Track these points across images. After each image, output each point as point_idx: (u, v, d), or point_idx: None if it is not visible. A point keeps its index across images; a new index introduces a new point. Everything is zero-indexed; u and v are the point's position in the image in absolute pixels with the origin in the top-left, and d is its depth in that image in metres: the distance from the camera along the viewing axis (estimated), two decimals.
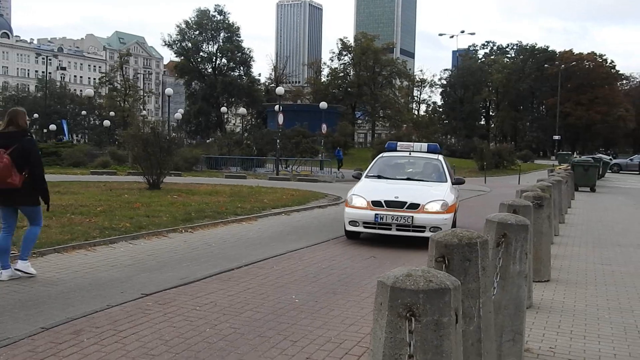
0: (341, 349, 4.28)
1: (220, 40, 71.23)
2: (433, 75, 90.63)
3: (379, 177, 10.00)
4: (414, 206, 8.61)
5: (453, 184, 9.81)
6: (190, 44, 70.01)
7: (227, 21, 71.82)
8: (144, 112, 69.67)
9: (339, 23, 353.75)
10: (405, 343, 2.29)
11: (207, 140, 51.86)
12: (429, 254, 3.21)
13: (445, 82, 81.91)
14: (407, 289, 2.34)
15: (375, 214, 8.64)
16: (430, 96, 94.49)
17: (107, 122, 45.00)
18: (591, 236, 10.57)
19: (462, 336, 2.79)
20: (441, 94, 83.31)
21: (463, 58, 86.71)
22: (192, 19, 70.54)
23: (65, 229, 8.86)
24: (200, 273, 6.61)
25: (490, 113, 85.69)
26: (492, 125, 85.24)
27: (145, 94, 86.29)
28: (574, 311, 5.39)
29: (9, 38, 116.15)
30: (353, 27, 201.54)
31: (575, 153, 54.55)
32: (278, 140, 30.46)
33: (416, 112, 79.63)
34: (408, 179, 9.95)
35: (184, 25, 70.22)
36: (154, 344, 4.28)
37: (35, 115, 56.39)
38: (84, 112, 64.12)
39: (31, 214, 6.32)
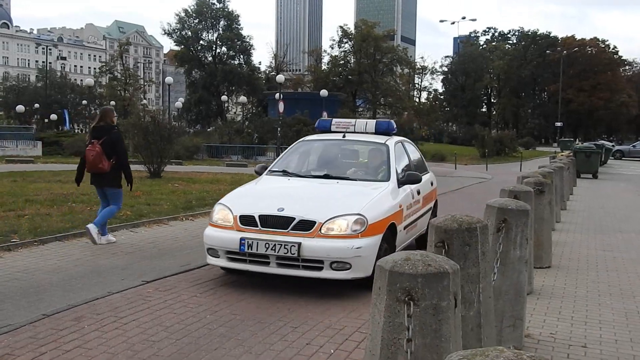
0: (341, 335, 4.29)
1: (220, 29, 70.80)
2: (434, 63, 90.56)
3: (285, 172, 6.65)
4: (306, 225, 5.22)
5: (401, 182, 6.31)
6: (190, 33, 69.61)
7: (226, 9, 71.33)
8: (145, 101, 69.46)
9: (340, 10, 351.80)
10: (403, 327, 2.29)
11: (208, 129, 51.78)
12: (429, 239, 3.20)
13: (446, 69, 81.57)
14: (406, 272, 2.33)
15: (242, 239, 5.25)
16: (431, 83, 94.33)
17: None
18: (593, 223, 10.56)
19: (462, 321, 2.79)
20: (442, 81, 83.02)
21: (464, 45, 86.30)
22: (192, 7, 70.04)
23: (66, 217, 8.87)
24: (201, 260, 6.60)
25: (492, 100, 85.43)
26: (494, 113, 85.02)
27: (145, 83, 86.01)
28: (575, 297, 5.38)
29: (8, 28, 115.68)
30: (353, 14, 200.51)
31: (577, 140, 54.43)
32: (279, 129, 30.39)
33: (417, 100, 79.35)
34: (326, 176, 6.42)
35: (183, 14, 69.76)
36: (154, 330, 4.29)
37: (36, 105, 56.26)
38: (84, 102, 63.98)
39: (113, 195, 7.45)
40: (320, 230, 5.21)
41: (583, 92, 72.91)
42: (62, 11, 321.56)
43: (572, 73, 73.45)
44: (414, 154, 7.80)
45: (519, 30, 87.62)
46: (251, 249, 5.23)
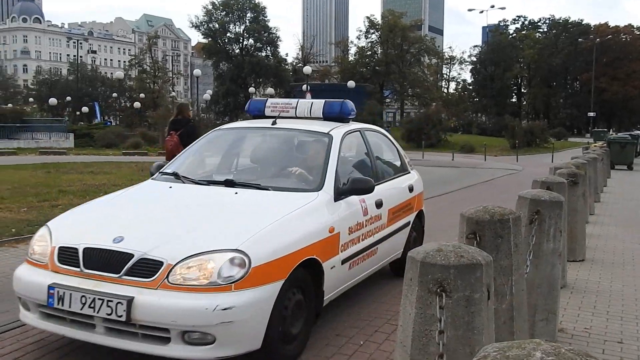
0: (371, 327, 4.27)
1: (247, 21, 71.22)
2: (462, 52, 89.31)
3: (176, 175, 4.59)
4: (148, 268, 3.31)
5: (342, 192, 4.32)
6: (217, 25, 70.21)
7: (253, 1, 71.67)
8: (173, 94, 70.39)
9: (366, 0, 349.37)
10: (435, 319, 2.26)
11: (236, 121, 52.14)
12: (460, 230, 3.16)
13: (475, 59, 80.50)
14: (438, 264, 2.30)
15: (51, 287, 3.37)
16: (459, 74, 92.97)
17: (137, 104, 45.59)
18: (628, 215, 10.30)
19: (494, 314, 2.75)
20: (471, 71, 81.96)
21: (493, 34, 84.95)
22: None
23: None
24: None
25: (522, 90, 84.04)
26: (524, 103, 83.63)
27: (174, 76, 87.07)
28: (610, 291, 5.26)
29: (40, 23, 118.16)
30: (380, 5, 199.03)
31: (611, 130, 53.25)
32: None
33: (445, 90, 78.55)
34: (228, 182, 4.34)
35: (210, 7, 70.41)
36: None
37: (68, 98, 57.46)
38: (115, 95, 65.12)
39: None
40: (168, 277, 3.21)
41: (617, 81, 71.18)
42: (92, 5, 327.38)
43: (606, 61, 71.74)
44: (383, 148, 5.83)
45: (549, 18, 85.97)
46: (62, 304, 3.29)
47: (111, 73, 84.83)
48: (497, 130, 49.30)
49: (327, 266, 3.90)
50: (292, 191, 4.20)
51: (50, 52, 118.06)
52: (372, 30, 70.48)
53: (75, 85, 64.59)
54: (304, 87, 32.37)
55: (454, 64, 79.35)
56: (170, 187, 4.41)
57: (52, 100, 49.76)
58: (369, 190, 4.40)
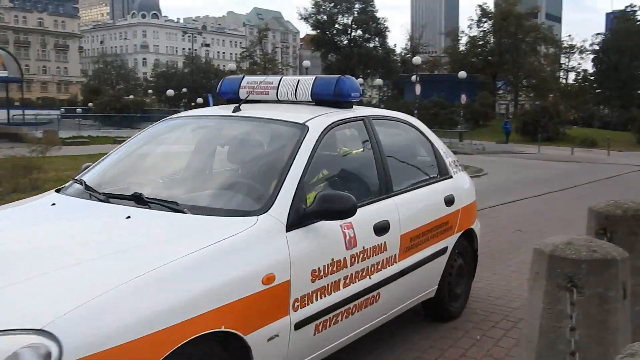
0: (488, 322, 4.18)
1: (355, 12, 71.37)
2: (583, 41, 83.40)
3: (85, 186, 3.18)
4: None
5: (305, 216, 2.76)
6: (325, 17, 70.98)
7: None
8: None
9: None
10: (565, 315, 2.17)
11: None
12: (588, 225, 2.99)
13: (597, 48, 75.12)
14: (568, 258, 2.20)
15: None
16: (579, 63, 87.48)
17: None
18: None
19: None
20: (592, 60, 76.53)
21: (618, 20, 78.73)
22: None
23: None
24: None
25: None
26: None
27: (283, 68, 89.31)
28: None
29: (158, 18, 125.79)
30: None
31: None
32: (415, 112, 30.07)
33: (564, 81, 74.16)
34: (136, 198, 2.82)
35: None
36: None
37: (184, 90, 60.82)
38: None
39: None
40: None
41: None
42: (205, 0, 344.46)
43: None
44: (407, 144, 4.23)
45: None
46: None
47: (223, 65, 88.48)
48: (622, 124, 45.93)
49: (258, 338, 2.44)
50: (220, 215, 2.72)
51: (167, 46, 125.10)
52: (484, 19, 67.90)
53: (190, 77, 68.20)
54: (413, 77, 31.93)
55: (573, 53, 74.62)
56: (53, 204, 3.09)
57: (170, 92, 52.74)
58: (347, 212, 2.81)
